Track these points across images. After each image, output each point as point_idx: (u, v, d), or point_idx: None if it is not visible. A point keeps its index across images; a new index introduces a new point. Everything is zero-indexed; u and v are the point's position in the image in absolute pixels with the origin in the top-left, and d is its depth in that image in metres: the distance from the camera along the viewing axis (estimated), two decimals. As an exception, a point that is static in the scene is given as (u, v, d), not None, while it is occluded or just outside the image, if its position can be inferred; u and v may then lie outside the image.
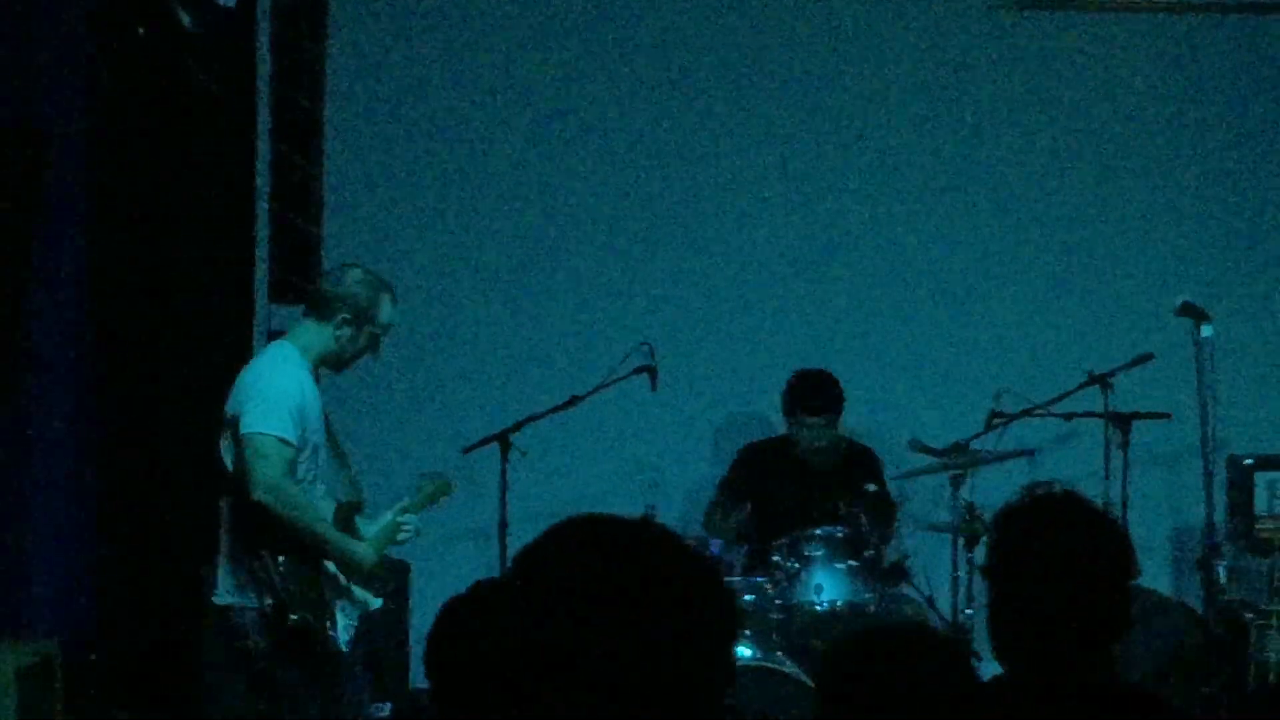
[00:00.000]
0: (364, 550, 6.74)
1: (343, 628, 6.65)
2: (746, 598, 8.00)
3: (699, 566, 2.44)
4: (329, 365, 6.86)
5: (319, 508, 6.66)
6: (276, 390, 6.58)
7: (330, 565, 6.66)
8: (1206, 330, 7.94)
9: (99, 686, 8.52)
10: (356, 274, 6.87)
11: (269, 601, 6.49)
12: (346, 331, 6.76)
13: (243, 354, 9.47)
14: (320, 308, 6.80)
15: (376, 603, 6.86)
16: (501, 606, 3.41)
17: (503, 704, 2.38)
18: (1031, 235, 9.78)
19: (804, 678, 7.55)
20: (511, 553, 8.17)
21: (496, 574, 7.78)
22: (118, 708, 8.44)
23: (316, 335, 6.79)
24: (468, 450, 8.49)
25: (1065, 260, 9.77)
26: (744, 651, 7.72)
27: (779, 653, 7.82)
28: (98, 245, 8.82)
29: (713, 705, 2.44)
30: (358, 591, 6.75)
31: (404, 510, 6.96)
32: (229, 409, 6.69)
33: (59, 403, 8.60)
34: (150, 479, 9.07)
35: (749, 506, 8.60)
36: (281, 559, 6.50)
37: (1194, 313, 7.99)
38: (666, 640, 2.36)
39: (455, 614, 3.75)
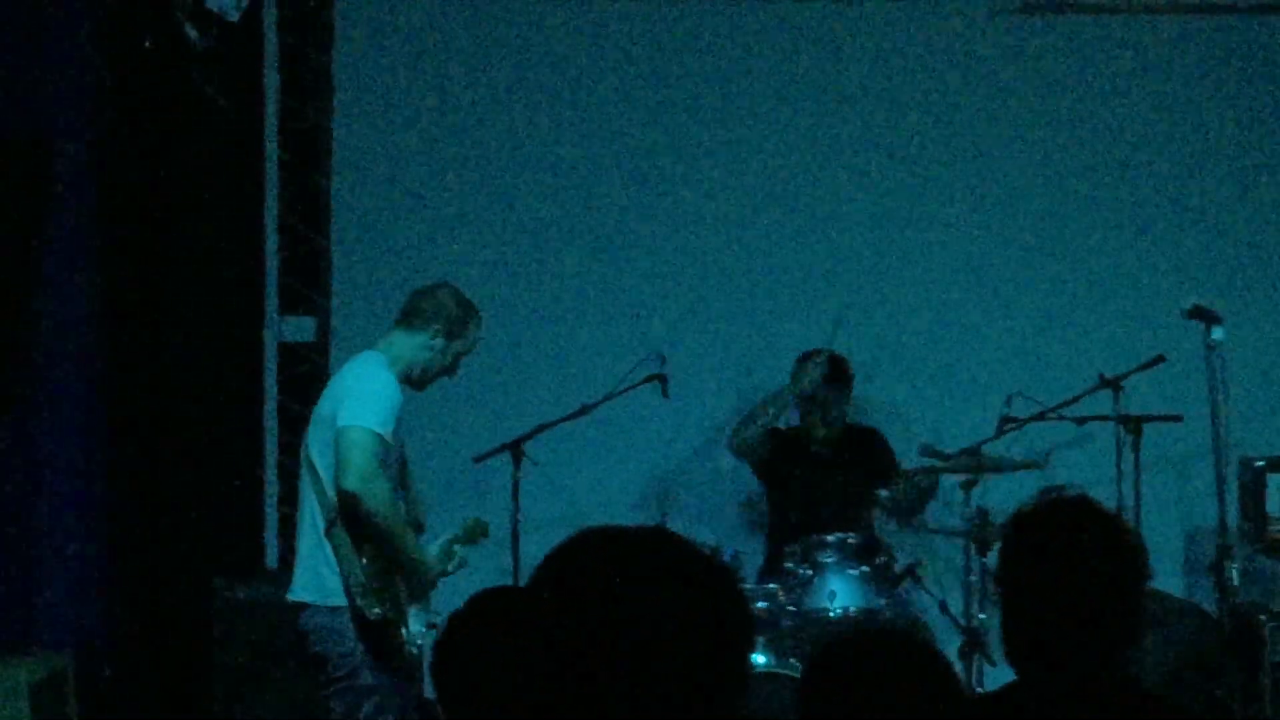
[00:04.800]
0: (435, 561, 6.82)
1: (416, 632, 6.71)
2: (759, 604, 7.99)
3: (714, 575, 2.44)
4: (412, 380, 6.93)
5: (402, 509, 6.73)
6: (377, 387, 6.67)
7: None
8: (1217, 333, 7.92)
9: (112, 699, 8.53)
10: (450, 290, 7.03)
11: (357, 600, 6.54)
12: (439, 343, 6.89)
13: (253, 365, 9.51)
14: (413, 319, 6.93)
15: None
16: (505, 619, 3.42)
17: (517, 716, 2.38)
18: (1041, 239, 9.76)
19: (817, 684, 7.54)
20: (524, 562, 8.19)
21: (510, 583, 7.80)
22: (131, 720, 8.44)
23: (407, 345, 6.90)
24: (479, 459, 8.50)
25: (1075, 263, 9.75)
26: (757, 658, 7.72)
27: (792, 659, 7.82)
28: (106, 257, 8.83)
29: (728, 713, 2.44)
30: (426, 599, 6.84)
31: (454, 541, 7.05)
32: (323, 408, 6.77)
33: (68, 414, 8.60)
34: (161, 490, 9.08)
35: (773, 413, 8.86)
36: (365, 557, 6.55)
37: (1205, 315, 7.97)
38: (682, 649, 2.36)
39: (459, 629, 3.76)
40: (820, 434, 9.03)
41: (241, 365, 9.48)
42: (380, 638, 6.61)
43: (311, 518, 6.73)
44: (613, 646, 2.36)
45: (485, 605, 3.76)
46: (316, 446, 6.73)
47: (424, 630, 6.76)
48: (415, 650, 6.74)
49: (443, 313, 6.91)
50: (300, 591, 6.74)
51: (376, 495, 6.51)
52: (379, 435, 6.55)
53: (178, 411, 9.13)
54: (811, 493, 8.82)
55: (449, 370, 7.02)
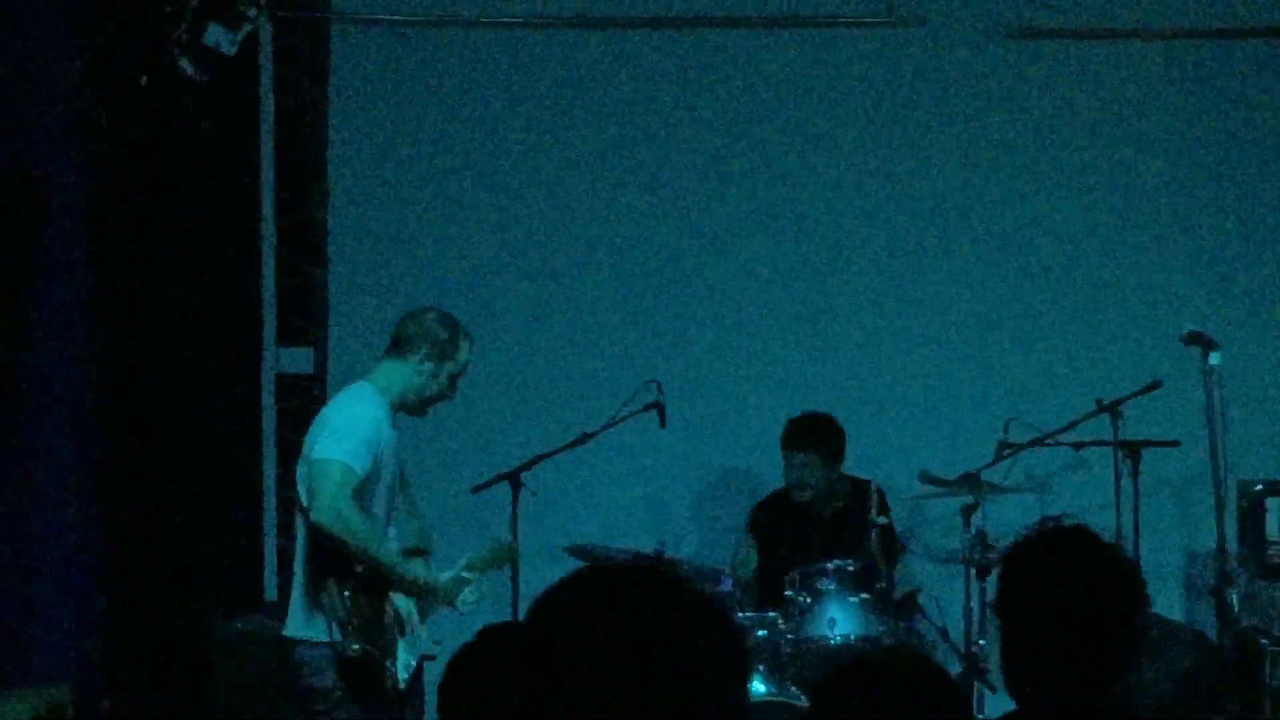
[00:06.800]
0: (430, 575, 6.82)
1: (403, 665, 6.71)
2: (759, 633, 7.98)
3: (708, 611, 2.45)
4: (409, 406, 6.97)
5: (383, 536, 6.72)
6: (349, 420, 6.72)
7: (397, 601, 6.72)
8: (1214, 358, 7.93)
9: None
10: (435, 314, 7.06)
11: (336, 635, 6.54)
12: (428, 367, 6.91)
13: (251, 397, 9.51)
14: (402, 346, 6.96)
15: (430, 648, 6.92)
16: (512, 655, 3.42)
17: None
18: (1039, 265, 9.76)
19: (818, 713, 7.53)
20: (523, 591, 8.17)
21: (509, 613, 7.79)
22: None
23: (397, 373, 6.93)
24: (478, 489, 8.49)
25: (1073, 289, 9.75)
26: (758, 687, 7.71)
27: (793, 687, 7.81)
28: (101, 293, 8.83)
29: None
30: (420, 631, 6.83)
31: (469, 567, 7.04)
32: (305, 445, 6.80)
33: (66, 449, 8.60)
34: (159, 524, 9.08)
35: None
36: (347, 591, 6.55)
37: (1202, 341, 7.99)
38: (678, 686, 2.37)
39: (465, 664, 3.75)
40: (805, 497, 8.94)
41: (239, 397, 9.48)
42: (359, 674, 6.60)
43: (302, 552, 6.75)
44: (611, 682, 2.36)
45: (493, 639, 3.77)
46: (300, 481, 6.76)
47: (412, 663, 6.74)
48: (401, 685, 6.70)
49: (429, 336, 6.93)
50: (291, 626, 6.77)
51: (347, 525, 6.53)
52: (348, 466, 6.58)
53: (176, 444, 9.13)
54: (807, 549, 8.73)
55: (447, 393, 7.03)
